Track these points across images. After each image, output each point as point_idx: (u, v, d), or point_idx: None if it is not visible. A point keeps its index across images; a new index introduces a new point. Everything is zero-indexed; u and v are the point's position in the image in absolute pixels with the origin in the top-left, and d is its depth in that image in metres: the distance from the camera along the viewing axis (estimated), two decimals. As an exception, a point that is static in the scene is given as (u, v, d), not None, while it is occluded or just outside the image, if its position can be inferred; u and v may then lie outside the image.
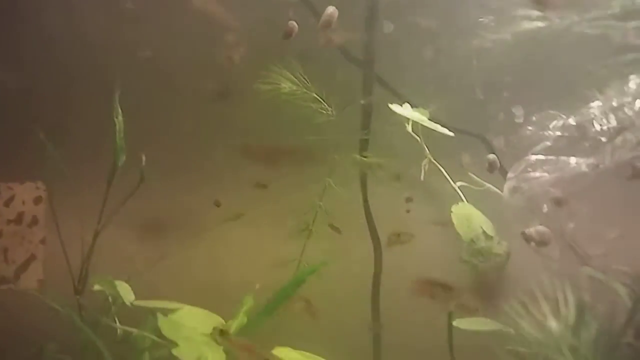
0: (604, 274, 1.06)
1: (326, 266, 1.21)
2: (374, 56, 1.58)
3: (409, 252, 1.45)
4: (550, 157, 1.25)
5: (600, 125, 1.16)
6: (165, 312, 1.17)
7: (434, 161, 1.44)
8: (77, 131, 1.54)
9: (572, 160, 1.19)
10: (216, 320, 1.25)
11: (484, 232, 1.32)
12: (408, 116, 1.41)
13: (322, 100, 1.47)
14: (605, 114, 1.16)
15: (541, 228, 1.22)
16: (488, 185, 1.41)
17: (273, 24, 1.45)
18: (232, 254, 1.57)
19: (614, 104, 1.14)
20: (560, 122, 1.34)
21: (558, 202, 1.18)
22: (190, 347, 1.00)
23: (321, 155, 1.50)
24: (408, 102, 1.46)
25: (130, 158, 1.38)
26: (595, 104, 1.21)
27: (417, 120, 1.41)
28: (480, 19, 1.37)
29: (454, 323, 1.29)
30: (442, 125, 1.42)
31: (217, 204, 1.54)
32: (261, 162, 1.53)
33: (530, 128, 1.43)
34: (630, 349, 1.00)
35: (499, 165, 1.42)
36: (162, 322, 1.05)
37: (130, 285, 1.26)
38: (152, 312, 1.17)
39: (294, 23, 1.42)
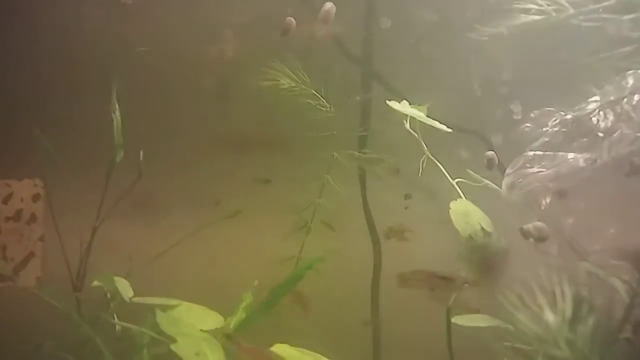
0: (602, 269, 1.06)
1: (323, 262, 1.21)
2: (372, 52, 1.58)
3: (408, 249, 1.45)
4: (548, 153, 1.25)
5: (598, 120, 1.16)
6: (164, 308, 1.17)
7: (432, 157, 1.44)
8: (75, 127, 1.54)
9: (570, 155, 1.19)
10: (215, 317, 1.24)
11: (482, 228, 1.32)
12: (406, 113, 1.41)
13: (320, 97, 1.47)
14: (603, 109, 1.16)
15: (539, 224, 1.22)
16: (486, 181, 1.42)
17: (271, 21, 1.45)
18: (231, 251, 1.57)
19: (612, 98, 1.14)
20: (559, 119, 1.34)
21: (558, 195, 1.18)
22: (189, 343, 1.00)
23: (319, 151, 1.50)
24: (406, 99, 1.46)
25: (128, 154, 1.38)
26: (593, 98, 1.21)
27: (415, 117, 1.41)
28: (477, 13, 1.37)
29: (453, 320, 1.29)
30: (440, 122, 1.42)
31: (216, 202, 1.55)
32: (259, 158, 1.54)
33: (528, 125, 1.43)
34: (629, 344, 1.01)
35: (497, 161, 1.42)
36: (161, 317, 1.05)
37: (128, 282, 1.25)
38: (151, 308, 1.17)
39: (292, 19, 1.42)
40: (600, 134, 1.15)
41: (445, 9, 1.51)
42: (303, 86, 1.46)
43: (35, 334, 1.32)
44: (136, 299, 1.23)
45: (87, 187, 1.42)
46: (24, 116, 1.56)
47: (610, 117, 1.13)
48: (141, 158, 1.36)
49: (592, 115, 1.18)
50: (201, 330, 1.12)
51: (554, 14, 1.25)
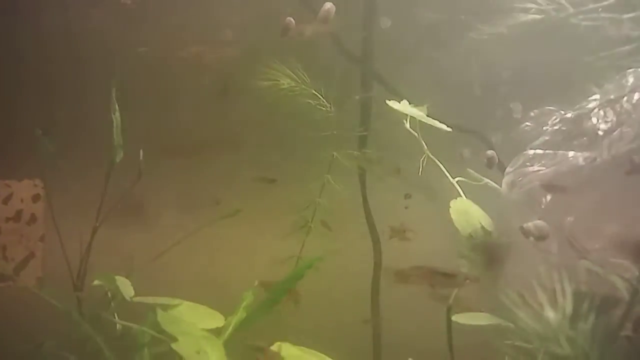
0: (602, 268, 1.06)
1: (323, 261, 1.21)
2: (371, 52, 1.58)
3: (408, 247, 1.45)
4: (548, 152, 1.25)
5: (598, 118, 1.16)
6: (165, 307, 1.17)
7: (432, 157, 1.44)
8: (75, 128, 1.54)
9: (570, 154, 1.19)
10: (215, 316, 1.25)
11: (482, 227, 1.32)
12: (406, 112, 1.41)
13: (320, 97, 1.47)
14: (603, 108, 1.16)
15: (539, 222, 1.22)
16: (486, 180, 1.42)
17: (270, 21, 1.46)
18: (232, 251, 1.57)
19: (612, 97, 1.14)
20: (559, 118, 1.34)
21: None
22: (189, 341, 1.00)
23: (320, 151, 1.51)
24: (406, 99, 1.46)
25: (128, 155, 1.38)
26: (593, 97, 1.22)
27: (415, 117, 1.41)
28: (477, 12, 1.38)
29: (453, 318, 1.29)
30: (440, 122, 1.43)
31: (216, 202, 1.54)
32: (259, 158, 1.54)
33: (528, 124, 1.44)
34: (629, 342, 1.01)
35: (497, 161, 1.43)
36: (162, 316, 1.05)
37: (129, 282, 1.26)
38: (152, 307, 1.17)
39: (292, 19, 1.42)
40: (600, 133, 1.15)
41: (445, 8, 1.51)
42: (303, 86, 1.46)
43: (36, 333, 1.32)
44: (137, 299, 1.23)
45: (87, 188, 1.42)
46: (24, 117, 1.56)
47: (610, 116, 1.13)
48: (141, 158, 1.36)
49: (592, 114, 1.18)
50: (202, 329, 1.12)
51: (553, 13, 1.26)
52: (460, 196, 1.40)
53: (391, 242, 1.45)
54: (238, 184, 1.56)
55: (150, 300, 1.21)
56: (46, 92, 1.58)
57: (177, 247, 1.44)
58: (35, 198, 1.60)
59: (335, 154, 1.51)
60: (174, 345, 0.98)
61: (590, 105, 1.20)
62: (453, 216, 1.32)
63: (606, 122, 1.14)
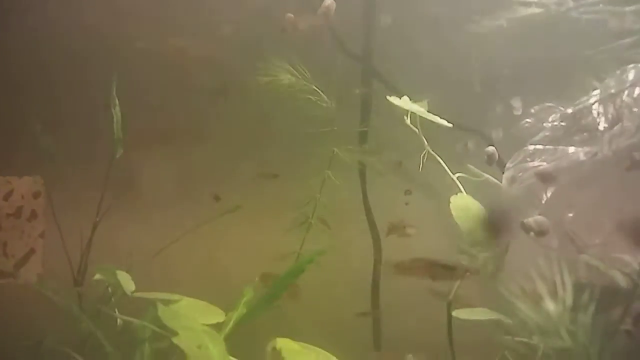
0: (603, 262, 1.06)
1: (323, 255, 1.21)
2: (372, 48, 1.58)
3: (408, 243, 1.45)
4: (548, 147, 1.25)
5: (599, 113, 1.16)
6: (166, 303, 1.17)
7: (433, 152, 1.44)
8: (75, 123, 1.54)
9: (571, 149, 1.19)
10: (216, 312, 1.25)
11: (482, 222, 1.32)
12: (407, 108, 1.41)
13: (321, 92, 1.47)
14: (603, 102, 1.16)
15: (540, 218, 1.22)
16: (487, 176, 1.42)
17: (271, 16, 1.45)
18: (232, 247, 1.57)
19: (613, 91, 1.14)
20: (559, 114, 1.34)
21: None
22: (190, 335, 1.00)
23: (320, 147, 1.50)
24: (407, 96, 1.46)
25: (128, 150, 1.38)
26: (594, 92, 1.21)
27: (416, 112, 1.41)
28: (477, 6, 1.37)
29: (454, 313, 1.30)
30: (441, 118, 1.42)
31: (216, 198, 1.54)
32: (259, 153, 1.54)
33: (528, 120, 1.44)
34: (629, 336, 1.01)
35: (497, 157, 1.43)
36: (162, 311, 1.05)
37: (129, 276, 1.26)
38: (152, 303, 1.17)
39: (292, 15, 1.42)
40: (601, 128, 1.15)
41: (445, 2, 1.51)
42: (303, 82, 1.46)
43: (37, 329, 1.32)
44: (138, 294, 1.23)
45: (87, 183, 1.42)
46: (24, 114, 1.56)
47: (611, 111, 1.13)
48: (140, 154, 1.36)
49: (592, 109, 1.18)
50: (203, 324, 1.12)
51: (553, 6, 1.25)
52: (461, 192, 1.40)
53: (391, 238, 1.46)
54: (238, 180, 1.56)
55: (150, 295, 1.21)
56: (46, 88, 1.58)
57: (177, 243, 1.44)
58: (36, 194, 1.60)
59: (335, 149, 1.51)
60: (175, 340, 0.98)
61: (591, 100, 1.20)
62: (453, 212, 1.32)
63: (607, 117, 1.14)
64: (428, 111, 1.43)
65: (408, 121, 1.44)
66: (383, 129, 1.54)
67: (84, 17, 1.54)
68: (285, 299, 1.26)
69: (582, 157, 1.15)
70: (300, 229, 1.52)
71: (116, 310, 1.26)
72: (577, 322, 0.75)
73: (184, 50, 1.53)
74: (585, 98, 1.23)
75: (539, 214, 1.23)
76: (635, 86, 1.11)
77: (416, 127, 1.44)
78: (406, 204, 1.53)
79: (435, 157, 1.43)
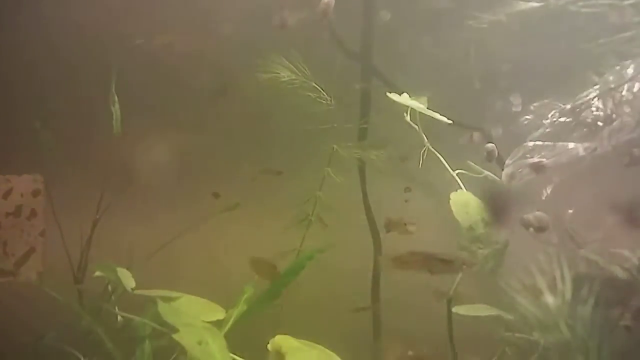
0: (602, 257, 1.06)
1: (323, 252, 1.21)
2: (371, 45, 1.58)
3: (408, 240, 1.45)
4: (547, 143, 1.25)
5: (598, 108, 1.16)
6: (166, 300, 1.17)
7: (433, 149, 1.44)
8: (74, 121, 1.54)
9: (570, 145, 1.19)
10: (216, 309, 1.25)
11: (482, 219, 1.32)
12: (407, 104, 1.41)
13: (321, 90, 1.47)
14: (603, 97, 1.16)
15: (539, 213, 1.22)
16: (486, 172, 1.42)
17: (270, 13, 1.45)
18: (232, 244, 1.57)
19: (612, 86, 1.14)
20: (558, 110, 1.34)
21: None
22: (191, 332, 1.00)
23: (320, 144, 1.50)
24: (406, 92, 1.46)
25: (127, 148, 1.38)
26: (593, 87, 1.21)
27: (416, 108, 1.41)
28: (476, 1, 1.37)
29: (454, 309, 1.30)
30: (441, 115, 1.42)
31: (216, 196, 1.54)
32: (259, 151, 1.53)
33: (528, 117, 1.44)
34: (627, 331, 1.01)
35: (497, 154, 1.42)
36: (163, 307, 1.06)
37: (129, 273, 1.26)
38: (152, 299, 1.17)
39: (291, 12, 1.42)
40: (600, 123, 1.15)
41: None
42: (303, 79, 1.46)
43: (38, 327, 1.32)
44: (138, 291, 1.23)
45: (87, 181, 1.42)
46: (23, 112, 1.56)
47: (610, 106, 1.13)
48: (140, 151, 1.36)
49: (592, 104, 1.18)
50: (203, 320, 1.12)
51: (552, 0, 1.25)
52: (461, 188, 1.40)
53: (391, 234, 1.46)
54: (237, 178, 1.56)
55: (150, 293, 1.21)
56: (45, 86, 1.57)
57: (176, 240, 1.44)
58: (35, 193, 1.60)
59: (335, 146, 1.51)
60: (175, 336, 0.98)
61: (591, 95, 1.20)
62: (453, 208, 1.32)
63: (606, 112, 1.14)
64: (427, 108, 1.43)
65: (408, 118, 1.44)
66: (383, 125, 1.54)
67: (83, 15, 1.54)
68: (287, 295, 1.26)
69: (581, 152, 1.15)
70: (300, 226, 1.52)
71: (116, 307, 1.26)
72: (576, 315, 0.75)
73: (184, 48, 1.53)
74: (584, 93, 1.23)
75: (539, 210, 1.23)
76: (635, 81, 1.11)
77: (416, 124, 1.44)
78: (406, 201, 1.53)
79: (435, 153, 1.43)
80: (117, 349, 1.17)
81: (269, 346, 1.17)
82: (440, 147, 1.43)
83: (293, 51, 1.45)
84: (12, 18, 1.56)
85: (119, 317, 1.25)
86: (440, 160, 1.42)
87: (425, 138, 1.44)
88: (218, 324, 1.19)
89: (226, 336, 1.15)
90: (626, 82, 1.12)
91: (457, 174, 1.41)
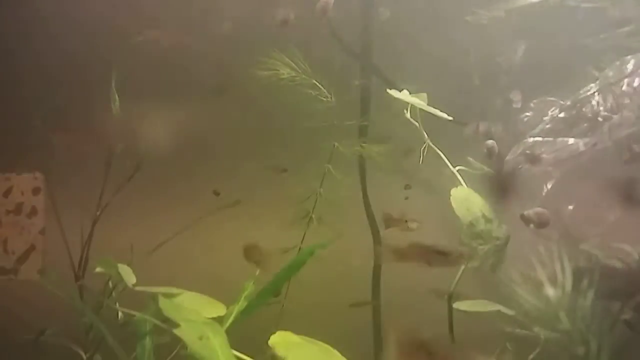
0: (603, 252, 1.06)
1: (324, 248, 1.21)
2: (371, 43, 1.58)
3: (409, 236, 1.45)
4: (547, 139, 1.25)
5: (598, 103, 1.16)
6: (167, 297, 1.17)
7: (433, 146, 1.44)
8: (75, 119, 1.54)
9: (570, 140, 1.19)
10: (217, 306, 1.25)
11: (483, 215, 1.32)
12: (407, 101, 1.41)
13: (321, 87, 1.47)
14: (603, 92, 1.16)
15: (540, 209, 1.22)
16: (487, 169, 1.42)
17: (270, 10, 1.45)
18: (232, 242, 1.57)
19: (612, 81, 1.14)
20: (558, 107, 1.35)
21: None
22: (192, 327, 1.00)
23: (320, 141, 1.51)
24: (406, 89, 1.46)
25: (127, 144, 1.38)
26: (593, 82, 1.22)
27: (416, 105, 1.41)
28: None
29: (454, 305, 1.30)
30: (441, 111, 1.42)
31: (216, 193, 1.54)
32: (259, 148, 1.54)
33: (528, 114, 1.44)
34: (627, 326, 1.01)
35: (497, 150, 1.43)
36: (164, 303, 1.05)
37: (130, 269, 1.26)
38: (153, 297, 1.17)
39: (291, 9, 1.42)
40: (600, 119, 1.15)
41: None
42: (304, 76, 1.46)
43: (38, 324, 1.32)
44: (139, 288, 1.23)
45: (88, 178, 1.42)
46: (23, 110, 1.56)
47: (610, 100, 1.13)
48: (141, 147, 1.36)
49: (592, 99, 1.18)
50: (204, 316, 1.12)
51: (552, -5, 1.25)
52: (461, 184, 1.41)
53: (392, 231, 1.46)
54: (238, 175, 1.56)
55: (151, 289, 1.21)
56: (46, 85, 1.58)
57: (177, 238, 1.44)
58: (36, 191, 1.60)
59: (336, 144, 1.51)
60: (176, 331, 0.98)
61: (591, 91, 1.20)
62: (454, 204, 1.33)
63: (606, 107, 1.14)
64: (427, 104, 1.43)
65: (408, 115, 1.44)
66: (383, 123, 1.54)
67: (84, 12, 1.54)
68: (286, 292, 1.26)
69: (581, 147, 1.15)
70: (301, 224, 1.52)
71: (117, 304, 1.26)
72: (577, 306, 0.75)
73: (184, 45, 1.53)
74: (584, 89, 1.23)
75: (539, 206, 1.23)
76: (635, 76, 1.11)
77: (416, 121, 1.45)
78: (406, 198, 1.53)
79: (435, 150, 1.43)
80: (118, 345, 1.17)
81: (269, 342, 1.17)
82: (441, 144, 1.43)
83: (293, 48, 1.45)
84: (11, 14, 1.56)
85: (120, 314, 1.24)
86: (441, 157, 1.43)
87: (425, 135, 1.44)
88: (219, 320, 1.19)
89: (227, 332, 1.15)
90: (626, 76, 1.12)
91: (457, 171, 1.42)
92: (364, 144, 1.52)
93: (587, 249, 1.06)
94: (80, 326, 1.26)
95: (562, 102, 1.35)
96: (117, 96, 1.37)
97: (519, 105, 1.47)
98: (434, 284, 1.35)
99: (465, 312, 1.25)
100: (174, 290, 1.23)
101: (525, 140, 1.31)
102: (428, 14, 1.52)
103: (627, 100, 1.10)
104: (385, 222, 1.43)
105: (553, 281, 0.74)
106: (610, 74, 1.17)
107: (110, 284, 1.28)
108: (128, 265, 1.29)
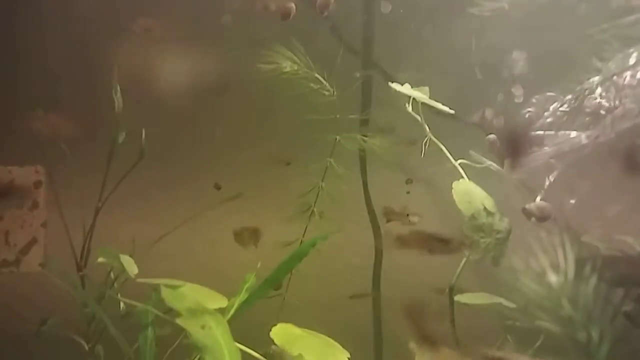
0: (605, 244, 1.06)
1: (325, 240, 1.21)
2: (372, 37, 1.58)
3: (409, 230, 1.45)
4: (549, 132, 1.25)
5: (601, 95, 1.16)
6: (169, 288, 1.17)
7: (435, 139, 1.44)
8: (76, 110, 1.54)
9: (572, 134, 1.19)
10: (218, 298, 1.25)
11: (485, 208, 1.32)
12: (409, 94, 1.41)
13: (323, 80, 1.47)
14: (605, 85, 1.16)
15: (541, 203, 1.22)
16: (489, 162, 1.42)
17: (272, 4, 1.45)
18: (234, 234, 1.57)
19: (614, 74, 1.14)
20: (560, 102, 1.34)
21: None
22: (194, 316, 1.00)
23: (322, 135, 1.51)
24: (408, 83, 1.46)
25: (129, 136, 1.38)
26: (596, 75, 1.21)
27: (418, 98, 1.41)
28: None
29: (456, 298, 1.30)
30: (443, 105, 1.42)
31: (217, 187, 1.54)
32: (261, 141, 1.54)
33: (530, 110, 1.44)
34: (627, 317, 1.01)
35: (499, 144, 1.42)
36: (167, 293, 1.06)
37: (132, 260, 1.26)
38: (155, 288, 1.17)
39: (292, 4, 1.42)
40: (603, 111, 1.15)
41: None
42: (306, 70, 1.46)
43: (41, 315, 1.32)
44: (140, 280, 1.23)
45: (89, 169, 1.42)
46: (25, 102, 1.56)
47: (613, 92, 1.13)
48: (143, 137, 1.36)
49: (594, 92, 1.18)
50: (206, 307, 1.12)
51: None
52: (463, 178, 1.40)
53: (393, 225, 1.46)
54: (239, 168, 1.56)
55: (153, 281, 1.21)
56: (47, 76, 1.57)
57: (178, 230, 1.44)
58: (37, 184, 1.60)
59: (338, 137, 1.51)
60: (178, 320, 0.98)
61: (594, 83, 1.20)
62: (455, 197, 1.33)
63: (609, 98, 1.14)
64: (429, 98, 1.43)
65: (410, 108, 1.44)
66: (385, 116, 1.54)
67: (85, 3, 1.54)
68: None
69: (584, 140, 1.15)
70: (302, 217, 1.52)
71: (119, 294, 1.26)
72: (579, 293, 0.75)
73: (186, 38, 1.53)
74: (587, 81, 1.23)
75: (541, 200, 1.24)
76: (638, 68, 1.11)
77: (418, 114, 1.45)
78: (407, 192, 1.53)
79: (437, 143, 1.43)
80: (120, 336, 1.17)
81: (271, 334, 1.17)
82: (442, 137, 1.43)
83: (295, 42, 1.45)
84: (11, 8, 1.56)
85: (122, 305, 1.25)
86: (443, 150, 1.42)
87: (427, 128, 1.44)
88: (220, 312, 1.19)
89: (229, 324, 1.15)
90: (629, 68, 1.12)
91: (459, 164, 1.42)
92: (365, 138, 1.52)
93: (590, 241, 1.06)
94: (82, 317, 1.26)
95: (564, 93, 1.34)
96: (118, 87, 1.37)
97: (521, 98, 1.47)
98: (435, 278, 1.35)
99: (466, 304, 1.25)
100: (175, 282, 1.23)
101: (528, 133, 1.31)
102: (430, 7, 1.52)
103: (629, 93, 1.10)
104: (386, 216, 1.43)
105: (555, 268, 0.74)
106: (613, 66, 1.17)
107: (112, 275, 1.28)
108: (130, 257, 1.29)
